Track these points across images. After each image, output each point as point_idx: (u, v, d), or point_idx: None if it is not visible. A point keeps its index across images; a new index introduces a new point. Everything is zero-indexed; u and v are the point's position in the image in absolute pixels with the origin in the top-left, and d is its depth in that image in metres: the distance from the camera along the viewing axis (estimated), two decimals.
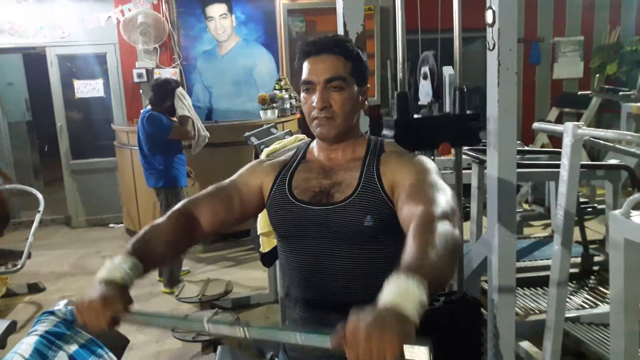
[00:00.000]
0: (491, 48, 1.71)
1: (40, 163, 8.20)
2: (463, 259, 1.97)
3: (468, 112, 1.88)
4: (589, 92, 5.91)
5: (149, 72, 5.85)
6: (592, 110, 5.92)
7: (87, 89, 6.02)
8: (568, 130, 2.19)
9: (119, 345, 2.13)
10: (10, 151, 6.58)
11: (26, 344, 1.76)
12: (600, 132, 2.06)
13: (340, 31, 1.71)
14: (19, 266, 3.97)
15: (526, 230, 4.87)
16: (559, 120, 6.51)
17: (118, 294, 1.06)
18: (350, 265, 1.22)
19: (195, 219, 1.30)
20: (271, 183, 1.33)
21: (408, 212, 1.10)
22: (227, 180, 1.37)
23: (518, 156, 3.92)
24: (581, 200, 4.97)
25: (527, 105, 7.03)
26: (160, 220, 1.26)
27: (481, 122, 1.85)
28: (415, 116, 1.84)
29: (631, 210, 1.88)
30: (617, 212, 1.89)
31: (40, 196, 4.26)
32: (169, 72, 5.81)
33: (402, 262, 0.92)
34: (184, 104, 4.14)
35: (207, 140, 4.40)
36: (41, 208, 4.19)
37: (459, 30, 1.85)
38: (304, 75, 1.26)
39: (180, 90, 4.22)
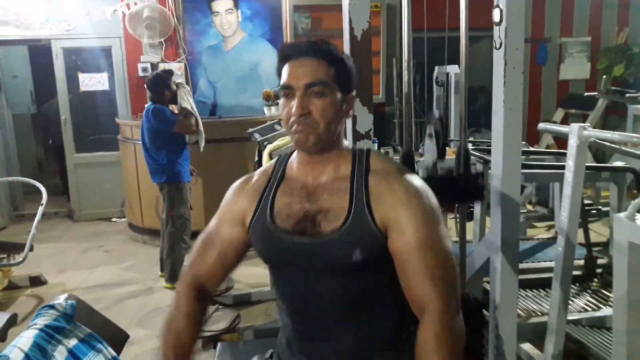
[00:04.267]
0: (498, 47, 1.70)
1: (45, 156, 8.22)
2: (465, 260, 1.96)
3: (472, 171, 1.93)
4: (595, 93, 5.87)
5: (154, 66, 5.83)
6: (598, 111, 5.88)
7: (92, 82, 6.02)
8: (574, 131, 2.17)
9: (119, 339, 2.14)
10: (15, 144, 6.58)
11: (25, 337, 1.76)
12: (606, 133, 2.04)
13: (346, 28, 1.69)
14: (21, 259, 3.98)
15: (530, 232, 4.84)
16: (565, 121, 6.47)
17: None
18: (340, 296, 1.19)
19: (203, 291, 1.32)
20: (252, 212, 1.25)
21: (416, 294, 1.14)
22: (213, 230, 1.32)
23: (523, 157, 3.92)
24: (585, 202, 4.96)
25: (532, 105, 6.99)
26: (174, 313, 1.30)
27: (484, 180, 1.90)
28: (420, 172, 1.86)
29: (636, 213, 1.86)
30: (621, 214, 1.87)
31: (43, 189, 4.26)
32: (174, 67, 5.79)
33: None
34: (188, 100, 4.14)
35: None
36: (44, 201, 4.20)
37: (466, 29, 1.83)
38: (283, 79, 1.17)
39: (185, 87, 4.23)
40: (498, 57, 1.73)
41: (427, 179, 1.85)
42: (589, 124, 2.14)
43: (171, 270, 4.15)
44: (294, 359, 1.28)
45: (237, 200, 1.29)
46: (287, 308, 1.26)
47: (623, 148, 3.52)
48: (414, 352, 1.15)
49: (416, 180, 1.20)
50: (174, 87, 4.10)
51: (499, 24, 1.65)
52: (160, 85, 4.04)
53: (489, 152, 2.41)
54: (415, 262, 1.12)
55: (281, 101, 1.20)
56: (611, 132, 1.97)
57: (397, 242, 1.14)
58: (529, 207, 5.29)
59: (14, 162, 6.47)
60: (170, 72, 4.21)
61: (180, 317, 1.28)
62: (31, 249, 4.11)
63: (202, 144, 4.27)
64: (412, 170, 1.30)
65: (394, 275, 1.17)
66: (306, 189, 1.21)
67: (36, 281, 4.30)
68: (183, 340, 1.27)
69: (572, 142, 2.19)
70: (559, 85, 6.98)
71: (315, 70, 1.15)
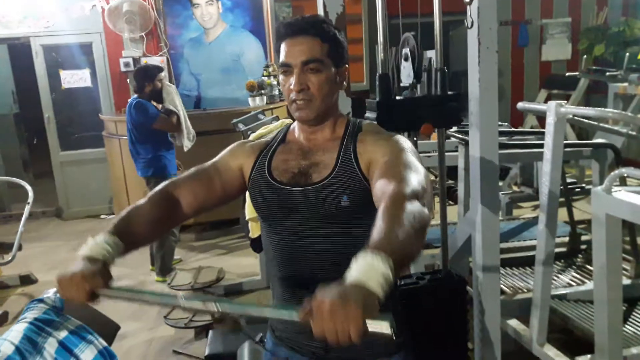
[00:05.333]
0: (470, 26, 1.72)
1: (30, 155, 8.15)
2: (447, 239, 2.00)
3: (450, 92, 1.90)
4: (577, 73, 5.93)
5: (136, 61, 5.80)
6: (580, 91, 5.95)
7: (74, 79, 5.98)
8: (551, 109, 2.21)
9: (109, 331, 2.16)
10: None
11: (15, 330, 1.78)
12: (582, 109, 2.08)
13: (320, 11, 1.71)
14: (9, 258, 3.97)
15: (515, 212, 4.90)
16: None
17: (98, 269, 1.08)
18: (329, 243, 1.24)
19: (175, 200, 1.31)
20: (251, 165, 1.34)
21: (380, 190, 1.12)
22: (209, 162, 1.38)
23: (505, 138, 3.96)
24: (569, 180, 5.03)
25: (516, 87, 7.05)
26: (141, 201, 1.28)
27: (462, 102, 1.87)
28: (398, 98, 1.85)
29: (613, 186, 1.90)
30: (599, 188, 1.91)
31: (29, 188, 4.25)
32: (156, 61, 5.76)
33: (370, 240, 0.95)
34: (174, 99, 4.13)
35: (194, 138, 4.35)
36: (30, 200, 4.19)
37: (440, 12, 1.85)
38: (282, 58, 1.26)
39: (171, 86, 4.22)
40: (472, 37, 1.76)
41: (405, 102, 1.87)
42: (565, 102, 2.17)
43: (162, 263, 4.17)
44: (284, 320, 1.31)
45: (239, 152, 1.38)
46: (278, 258, 1.31)
47: (604, 125, 3.57)
48: (399, 300, 1.23)
49: (400, 137, 1.28)
50: (159, 84, 4.08)
51: (470, 3, 1.68)
52: (143, 78, 4.04)
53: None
54: (382, 175, 1.14)
55: (280, 77, 1.29)
56: (587, 108, 2.01)
57: (372, 172, 1.21)
58: (515, 187, 5.35)
59: None
60: (159, 69, 4.19)
61: (146, 204, 1.26)
62: (19, 248, 4.10)
63: (187, 145, 4.24)
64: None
65: None
66: (302, 149, 1.32)
67: (26, 280, 4.30)
68: (136, 220, 1.23)
69: (550, 120, 2.23)
70: (541, 67, 7.04)
71: (311, 48, 1.23)
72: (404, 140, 1.26)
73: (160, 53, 5.86)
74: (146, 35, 5.79)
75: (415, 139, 1.94)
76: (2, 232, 5.74)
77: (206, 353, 2.23)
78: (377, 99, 1.76)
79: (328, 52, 1.25)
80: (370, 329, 0.80)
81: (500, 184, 5.60)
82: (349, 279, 0.86)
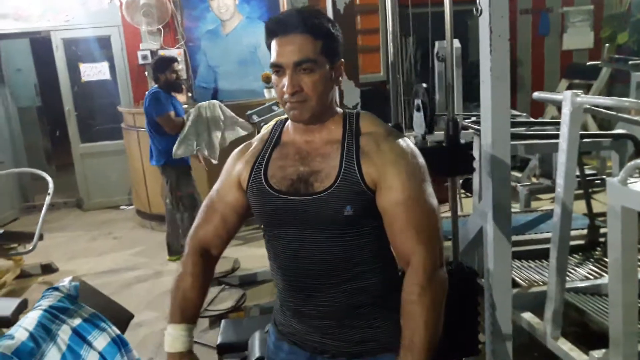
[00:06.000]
0: (479, 14, 1.69)
1: (52, 147, 8.30)
2: (458, 231, 1.98)
3: (462, 142, 1.91)
4: (599, 62, 5.80)
5: (154, 54, 5.84)
6: (602, 80, 5.81)
7: (93, 72, 6.06)
8: (567, 98, 2.16)
9: (122, 319, 2.19)
10: (21, 137, 6.65)
11: (30, 318, 1.82)
12: (599, 99, 2.03)
13: (328, 2, 1.69)
14: (30, 247, 4.06)
15: (534, 204, 4.83)
16: None
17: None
18: (331, 250, 1.22)
19: (207, 254, 1.37)
20: (248, 174, 1.30)
21: (402, 248, 1.20)
22: (215, 195, 1.37)
23: (523, 128, 3.90)
24: (590, 171, 4.93)
25: (536, 77, 6.93)
26: (182, 275, 1.35)
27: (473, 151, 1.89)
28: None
29: (629, 178, 1.86)
30: (614, 179, 1.87)
31: (49, 179, 4.33)
32: (174, 53, 5.80)
33: (403, 337, 1.19)
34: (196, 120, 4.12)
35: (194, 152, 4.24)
36: (50, 191, 4.27)
37: (450, 3, 1.81)
38: (272, 58, 1.20)
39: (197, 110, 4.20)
40: (483, 25, 1.73)
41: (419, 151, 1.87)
42: (582, 91, 2.13)
43: (170, 244, 4.24)
44: (286, 317, 1.34)
45: (235, 166, 1.35)
46: (279, 266, 1.30)
47: (626, 116, 3.48)
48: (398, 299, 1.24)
49: (402, 141, 1.25)
50: (172, 75, 4.09)
51: None
52: (156, 69, 4.12)
53: None
54: (401, 218, 1.18)
55: (273, 78, 1.23)
56: (604, 97, 1.96)
57: (384, 199, 1.19)
58: (533, 179, 5.27)
59: (21, 154, 6.56)
60: (171, 60, 4.21)
61: (188, 277, 1.35)
62: (41, 237, 4.19)
63: (178, 154, 4.08)
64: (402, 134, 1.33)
65: (383, 232, 1.23)
66: (300, 153, 1.26)
67: (47, 269, 4.39)
68: (190, 298, 1.34)
69: (566, 110, 2.19)
70: (562, 56, 6.90)
71: (303, 47, 1.17)
72: (411, 157, 1.22)
73: (177, 45, 5.89)
74: (163, 28, 5.82)
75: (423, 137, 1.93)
76: (26, 222, 5.87)
77: (218, 342, 2.25)
78: None
79: (322, 50, 1.19)
80: None
81: (520, 175, 5.54)
82: None
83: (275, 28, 1.20)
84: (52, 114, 7.81)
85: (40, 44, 6.88)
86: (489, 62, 1.74)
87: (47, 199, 4.24)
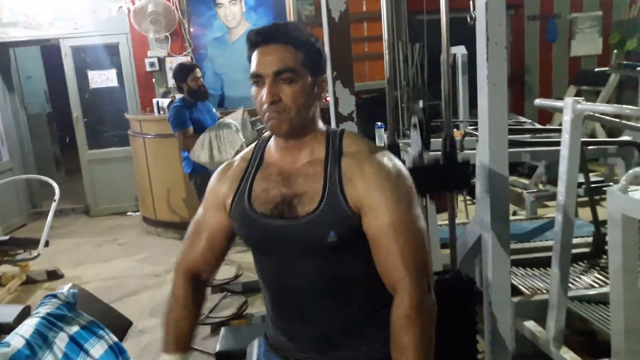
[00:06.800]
0: (472, 22, 1.68)
1: (61, 154, 8.38)
2: (456, 239, 1.96)
3: (459, 160, 1.91)
4: (607, 68, 5.75)
5: (161, 61, 5.90)
6: (610, 87, 5.76)
7: (101, 79, 6.12)
8: (568, 105, 2.15)
9: (121, 326, 2.20)
10: (30, 143, 6.72)
11: (27, 325, 1.82)
12: (599, 106, 2.02)
13: (323, 10, 1.69)
14: (35, 254, 4.09)
15: (540, 211, 4.79)
16: None
17: None
18: (314, 274, 1.21)
19: (199, 279, 1.36)
20: (231, 197, 1.28)
21: (388, 274, 1.17)
22: (200, 218, 1.36)
23: (528, 135, 3.88)
24: (596, 179, 4.89)
25: (544, 83, 6.89)
26: (172, 302, 1.35)
27: (469, 169, 1.90)
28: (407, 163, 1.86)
29: (630, 186, 1.84)
30: (615, 187, 1.86)
31: (55, 185, 4.36)
32: (181, 60, 5.85)
33: None
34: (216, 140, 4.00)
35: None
36: (57, 197, 4.30)
37: (446, 10, 1.80)
38: (252, 68, 1.19)
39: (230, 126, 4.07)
40: (480, 32, 1.72)
41: (413, 170, 1.86)
42: (582, 98, 2.11)
43: None
44: (276, 334, 1.32)
45: (219, 186, 1.33)
46: (267, 289, 1.29)
47: (629, 122, 3.45)
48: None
49: (387, 161, 1.20)
50: (193, 84, 3.98)
51: None
52: (177, 78, 4.02)
53: None
54: (387, 244, 1.15)
55: (253, 89, 1.20)
56: (605, 104, 1.94)
57: (370, 224, 1.16)
58: (541, 186, 5.22)
59: (30, 160, 6.62)
60: (190, 68, 4.05)
61: (179, 308, 1.34)
62: (46, 244, 4.22)
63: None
64: (391, 152, 1.29)
65: (370, 255, 1.19)
66: (282, 175, 1.23)
67: (53, 275, 4.42)
68: (182, 327, 1.33)
69: (567, 117, 2.17)
70: (571, 62, 6.86)
71: (283, 57, 1.16)
72: (398, 180, 1.18)
73: (184, 53, 5.94)
74: (171, 36, 5.87)
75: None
76: (34, 228, 5.92)
77: (216, 349, 2.24)
78: None
79: (303, 61, 1.17)
80: None
81: (527, 182, 5.50)
82: None
83: (256, 39, 1.19)
84: (61, 121, 7.90)
85: (50, 51, 6.97)
86: (485, 70, 1.73)
87: (53, 205, 4.27)
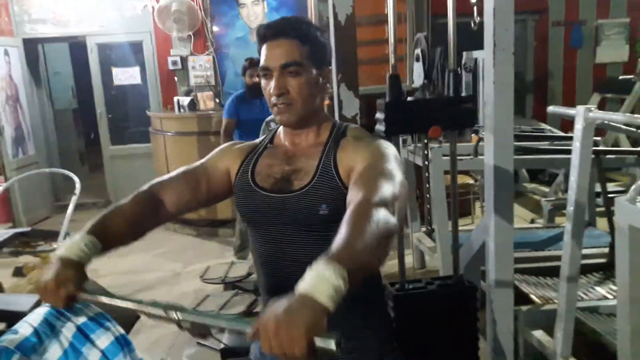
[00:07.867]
0: (475, 27, 1.68)
1: (86, 149, 8.56)
2: (458, 244, 1.95)
3: (463, 95, 1.84)
4: (631, 76, 5.64)
5: (183, 60, 5.99)
6: (635, 95, 5.65)
7: (125, 76, 6.24)
8: (579, 114, 2.12)
9: (129, 319, 2.23)
10: (56, 138, 6.89)
11: (36, 314, 1.86)
12: (611, 115, 1.99)
13: (330, 13, 1.71)
14: (56, 245, 4.19)
15: (558, 219, 4.72)
16: (602, 106, 6.24)
17: (72, 273, 1.15)
18: (308, 250, 1.23)
19: (159, 201, 1.33)
20: (237, 168, 1.34)
21: (349, 198, 1.10)
22: (198, 163, 1.40)
23: (546, 142, 3.83)
24: (617, 189, 4.80)
25: (567, 91, 6.78)
26: (123, 200, 1.31)
27: (476, 104, 1.82)
28: (409, 99, 1.82)
29: (638, 197, 1.81)
30: (622, 197, 1.83)
31: (77, 180, 4.46)
32: (203, 60, 5.94)
33: (329, 248, 0.93)
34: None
35: None
36: (77, 191, 4.39)
37: (454, 13, 1.79)
38: (261, 61, 1.25)
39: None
40: (487, 38, 1.71)
41: (415, 102, 1.83)
42: (594, 106, 2.09)
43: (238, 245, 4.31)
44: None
45: (225, 152, 1.40)
46: (260, 261, 1.33)
47: None
48: (382, 305, 1.25)
49: (384, 143, 1.25)
50: (248, 79, 4.12)
51: (476, 2, 1.62)
52: (242, 70, 4.26)
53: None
54: (356, 179, 1.15)
55: (262, 82, 1.27)
56: (616, 113, 1.92)
57: (351, 177, 1.18)
58: (560, 194, 5.15)
59: (55, 155, 6.78)
60: (249, 65, 4.17)
61: (125, 203, 1.30)
62: (67, 236, 4.31)
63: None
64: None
65: None
66: (287, 154, 1.31)
67: None
68: (112, 220, 1.27)
69: (578, 125, 2.15)
70: (595, 69, 6.74)
71: (289, 50, 1.22)
72: (386, 146, 1.23)
73: (206, 52, 6.01)
74: (194, 35, 5.96)
75: (425, 141, 1.91)
76: (57, 220, 6.04)
77: (221, 346, 2.28)
78: (387, 100, 1.74)
79: (308, 54, 1.23)
80: (317, 345, 0.79)
81: (547, 190, 5.42)
82: (298, 289, 0.85)
83: (265, 33, 1.25)
84: (87, 116, 8.06)
85: (78, 48, 7.13)
86: (492, 76, 1.72)
87: (74, 199, 4.36)
